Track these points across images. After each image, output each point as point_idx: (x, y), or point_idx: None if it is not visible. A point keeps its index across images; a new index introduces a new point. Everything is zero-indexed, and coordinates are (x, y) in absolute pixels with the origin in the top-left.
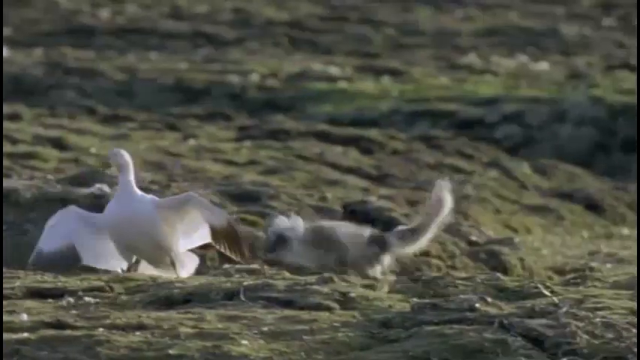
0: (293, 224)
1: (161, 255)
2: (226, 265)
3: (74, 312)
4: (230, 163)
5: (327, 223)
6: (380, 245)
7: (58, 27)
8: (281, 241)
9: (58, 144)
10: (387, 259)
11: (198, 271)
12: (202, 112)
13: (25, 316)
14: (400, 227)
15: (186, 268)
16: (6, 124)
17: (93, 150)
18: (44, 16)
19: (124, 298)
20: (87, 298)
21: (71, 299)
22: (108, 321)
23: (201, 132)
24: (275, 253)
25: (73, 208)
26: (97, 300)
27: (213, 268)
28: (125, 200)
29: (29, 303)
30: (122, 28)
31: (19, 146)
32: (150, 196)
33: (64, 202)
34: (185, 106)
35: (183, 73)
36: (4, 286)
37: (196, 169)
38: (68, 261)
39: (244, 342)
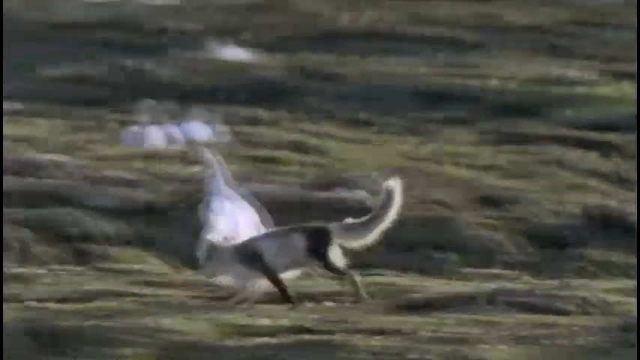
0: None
1: None
2: (465, 270)
3: (314, 316)
4: (470, 167)
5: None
6: (322, 238)
7: (299, 31)
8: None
9: (299, 148)
10: (333, 252)
11: (438, 276)
12: (442, 117)
13: (266, 321)
14: (348, 220)
15: None
16: (246, 128)
17: (334, 154)
18: (285, 20)
19: (364, 302)
20: (327, 303)
21: (311, 304)
22: (348, 325)
23: (441, 136)
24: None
25: None
26: (337, 304)
27: (453, 273)
28: None
29: (270, 308)
30: (363, 32)
31: (260, 150)
32: None
33: (304, 206)
34: (425, 111)
35: (423, 77)
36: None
37: (437, 174)
38: None
39: (484, 346)
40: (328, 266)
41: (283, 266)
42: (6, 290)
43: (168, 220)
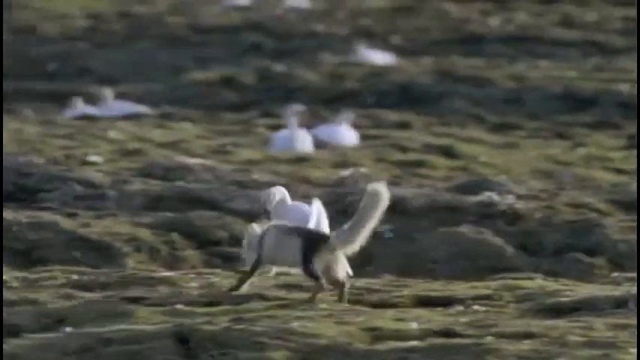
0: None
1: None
2: (615, 274)
3: (463, 320)
4: (619, 171)
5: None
6: (314, 243)
7: (448, 35)
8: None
9: (447, 152)
10: (323, 258)
11: (587, 280)
12: (591, 121)
13: (414, 324)
14: (344, 227)
15: None
16: (396, 133)
17: (482, 158)
18: (434, 25)
19: (512, 306)
20: (476, 307)
21: (460, 307)
22: (496, 329)
23: (591, 140)
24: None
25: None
26: (486, 308)
27: (602, 277)
28: None
29: (418, 311)
30: (512, 36)
31: (409, 154)
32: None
33: (452, 210)
34: (574, 115)
35: (573, 81)
36: (394, 294)
37: (586, 178)
38: None
39: (633, 350)
40: (306, 270)
41: (275, 260)
42: (154, 294)
43: None
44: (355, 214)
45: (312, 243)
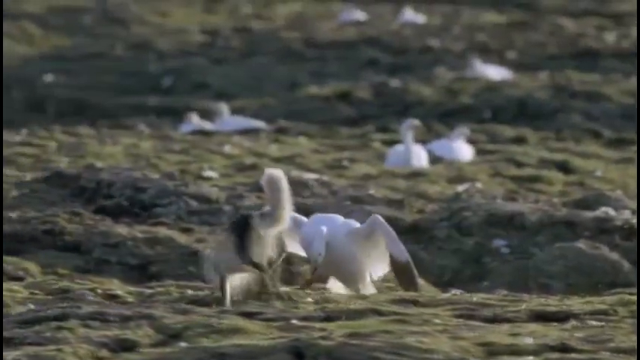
0: None
1: (353, 278)
2: None
3: (579, 335)
4: None
5: None
6: (242, 228)
7: (564, 50)
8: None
9: (563, 167)
10: (255, 240)
11: None
12: None
13: (530, 340)
14: (264, 209)
15: (369, 286)
16: (512, 147)
17: (598, 173)
18: (550, 40)
19: (628, 321)
20: (591, 322)
21: (576, 322)
22: (612, 344)
23: None
24: None
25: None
26: (602, 323)
27: None
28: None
29: (534, 326)
30: (628, 52)
31: (524, 170)
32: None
33: (568, 225)
34: None
35: None
36: (508, 309)
37: None
38: None
39: None
40: (244, 259)
41: (228, 264)
42: (270, 309)
43: (433, 239)
44: (270, 202)
45: (241, 232)
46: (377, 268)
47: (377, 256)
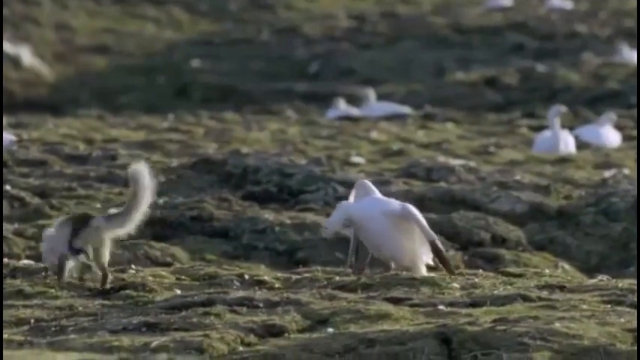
0: None
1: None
2: None
3: None
4: None
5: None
6: (81, 222)
7: None
8: None
9: None
10: (86, 238)
11: None
12: None
13: None
14: (111, 211)
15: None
16: None
17: None
18: None
19: None
20: None
21: None
22: None
23: None
24: None
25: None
26: None
27: None
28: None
29: None
30: None
31: None
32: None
33: None
34: None
35: None
36: None
37: None
38: None
39: None
40: (71, 250)
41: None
42: (417, 295)
43: (579, 224)
44: (127, 199)
45: (76, 226)
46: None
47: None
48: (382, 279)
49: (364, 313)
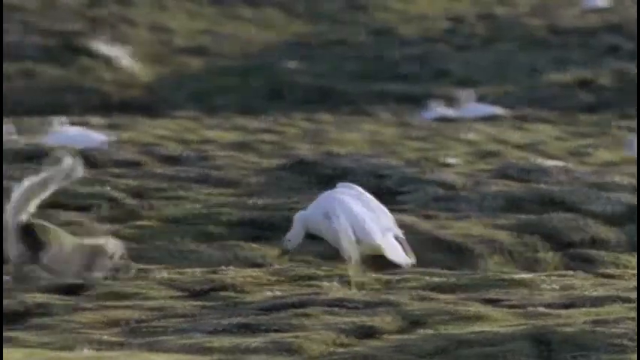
0: None
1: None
2: None
3: None
4: None
5: None
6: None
7: None
8: None
9: None
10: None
11: None
12: None
13: None
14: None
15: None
16: None
17: None
18: None
19: None
20: None
21: None
22: None
23: None
24: None
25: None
26: None
27: None
28: None
29: None
30: None
31: None
32: None
33: None
34: None
35: None
36: None
37: None
38: None
39: None
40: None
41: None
42: (511, 296)
43: None
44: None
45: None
46: None
47: None
48: (476, 280)
49: (459, 314)
